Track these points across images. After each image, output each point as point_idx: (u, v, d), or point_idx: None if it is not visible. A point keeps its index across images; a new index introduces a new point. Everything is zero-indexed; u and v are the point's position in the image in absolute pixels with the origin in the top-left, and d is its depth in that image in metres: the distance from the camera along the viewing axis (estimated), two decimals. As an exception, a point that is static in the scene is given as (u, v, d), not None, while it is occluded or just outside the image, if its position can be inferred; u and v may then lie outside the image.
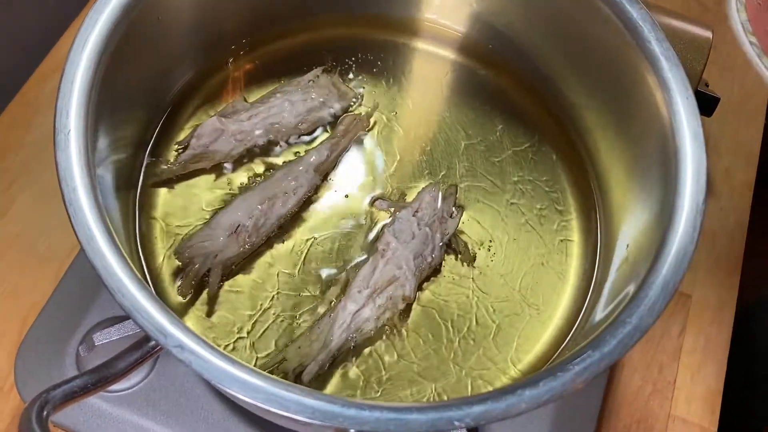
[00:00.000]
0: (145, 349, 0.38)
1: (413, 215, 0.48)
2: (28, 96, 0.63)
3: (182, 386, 0.49)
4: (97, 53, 0.40)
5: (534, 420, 0.50)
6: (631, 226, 0.46)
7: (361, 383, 0.44)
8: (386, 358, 0.45)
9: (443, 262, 0.49)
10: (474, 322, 0.47)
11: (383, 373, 0.45)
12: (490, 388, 0.44)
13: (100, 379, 0.37)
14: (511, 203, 0.52)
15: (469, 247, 0.49)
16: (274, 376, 0.34)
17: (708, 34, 0.60)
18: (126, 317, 0.45)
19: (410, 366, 0.45)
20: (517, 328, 0.47)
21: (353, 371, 0.45)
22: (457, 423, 0.33)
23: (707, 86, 0.61)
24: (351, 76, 0.55)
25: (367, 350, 0.45)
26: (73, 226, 0.36)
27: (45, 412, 0.34)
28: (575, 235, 0.51)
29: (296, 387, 0.33)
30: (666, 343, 0.59)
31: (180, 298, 0.46)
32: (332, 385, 0.44)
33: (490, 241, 0.50)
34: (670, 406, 0.56)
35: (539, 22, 0.51)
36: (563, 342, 0.47)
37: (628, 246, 0.45)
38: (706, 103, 0.61)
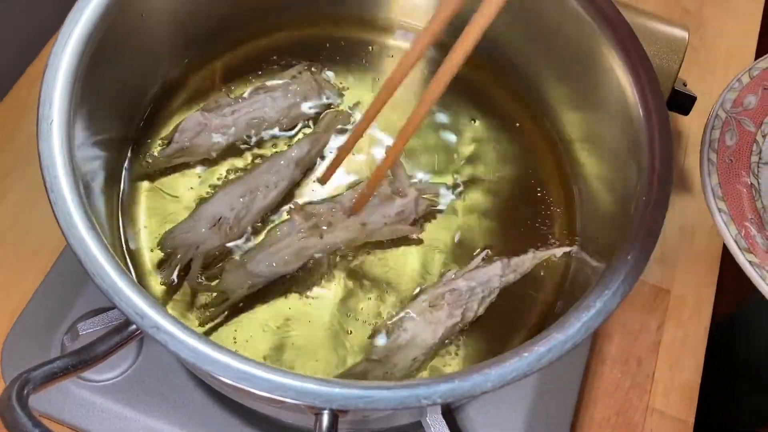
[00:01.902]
0: (124, 333, 0.39)
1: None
2: (20, 95, 0.64)
3: (166, 376, 0.50)
4: (81, 46, 0.41)
5: (510, 409, 0.51)
6: (605, 215, 0.47)
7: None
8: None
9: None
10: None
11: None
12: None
13: (81, 361, 0.37)
14: (492, 197, 0.53)
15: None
16: (248, 357, 0.35)
17: (684, 34, 0.61)
18: (110, 308, 0.47)
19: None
20: (497, 316, 0.48)
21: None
22: (424, 401, 0.34)
23: (685, 85, 0.63)
24: (333, 73, 0.57)
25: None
26: (54, 213, 0.37)
27: (25, 391, 0.34)
28: (555, 226, 0.52)
29: (269, 366, 0.34)
30: (645, 338, 0.60)
31: (161, 289, 0.47)
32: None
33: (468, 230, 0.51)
34: (648, 399, 0.57)
35: (515, 20, 0.52)
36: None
37: (600, 236, 0.46)
38: (683, 102, 0.62)
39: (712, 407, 0.63)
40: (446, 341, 0.46)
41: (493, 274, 0.47)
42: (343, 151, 0.48)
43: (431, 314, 0.45)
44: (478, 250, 0.49)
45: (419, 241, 0.50)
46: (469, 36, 0.37)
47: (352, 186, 0.51)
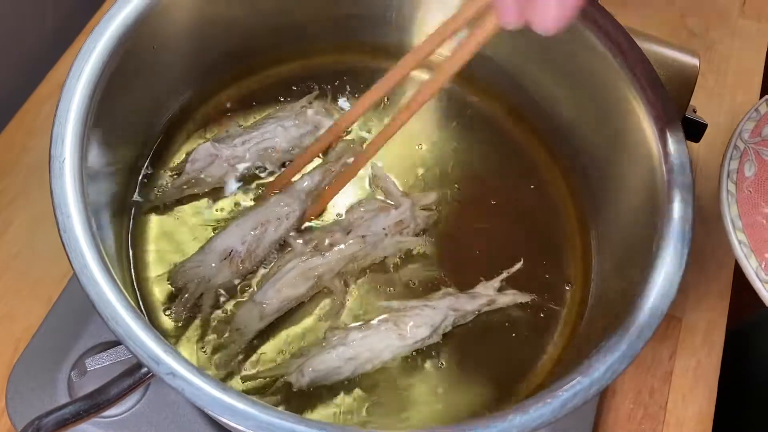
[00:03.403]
0: (137, 375, 0.38)
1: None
2: (26, 119, 0.63)
3: (173, 412, 0.49)
4: (93, 81, 0.40)
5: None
6: (621, 253, 0.47)
7: (354, 410, 0.45)
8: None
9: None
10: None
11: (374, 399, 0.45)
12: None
13: (93, 405, 0.37)
14: (503, 227, 0.52)
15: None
16: (265, 404, 0.34)
17: (695, 61, 0.61)
18: (118, 343, 0.46)
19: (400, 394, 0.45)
20: (509, 352, 0.48)
21: (348, 398, 0.45)
22: (447, 450, 0.33)
23: (695, 112, 0.62)
24: (343, 102, 0.56)
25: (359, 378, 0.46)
26: (67, 254, 0.37)
27: (37, 439, 0.34)
28: (569, 261, 0.51)
29: (288, 414, 0.34)
30: (657, 367, 0.59)
31: (172, 324, 0.46)
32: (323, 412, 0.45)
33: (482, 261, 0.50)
34: (662, 430, 0.57)
35: (530, 51, 0.52)
36: (556, 370, 0.47)
37: (618, 273, 0.46)
38: (694, 129, 0.61)
39: (724, 430, 0.62)
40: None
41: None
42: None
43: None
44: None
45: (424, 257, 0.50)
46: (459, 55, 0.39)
47: (349, 210, 0.51)
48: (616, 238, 0.48)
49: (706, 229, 0.66)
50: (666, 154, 0.43)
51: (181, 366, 0.34)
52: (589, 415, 0.53)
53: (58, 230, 0.37)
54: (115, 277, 0.36)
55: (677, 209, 0.41)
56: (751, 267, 0.48)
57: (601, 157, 0.51)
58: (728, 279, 0.64)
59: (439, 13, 0.55)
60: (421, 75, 0.57)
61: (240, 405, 0.33)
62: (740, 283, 0.63)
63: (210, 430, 0.48)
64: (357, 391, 0.45)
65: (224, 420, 0.33)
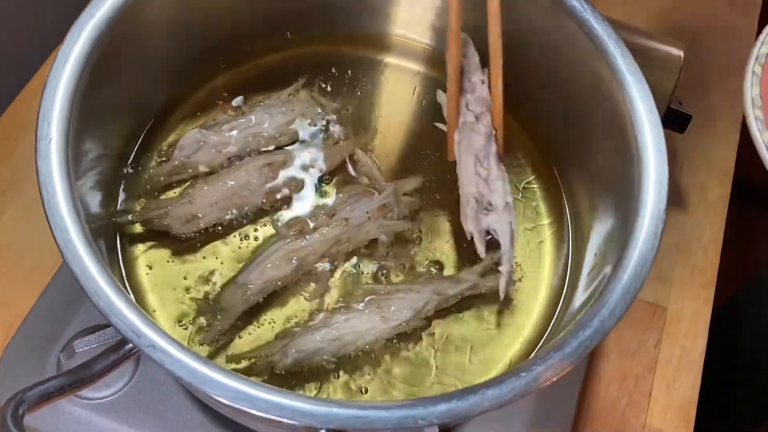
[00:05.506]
0: (121, 351, 0.39)
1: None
2: (18, 112, 0.64)
3: (162, 394, 0.50)
4: (79, 66, 0.41)
5: (507, 429, 0.51)
6: (598, 235, 0.47)
7: (336, 391, 0.46)
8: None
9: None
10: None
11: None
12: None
13: (77, 380, 0.37)
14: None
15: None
16: (244, 376, 0.35)
17: (679, 52, 0.62)
18: (106, 326, 0.47)
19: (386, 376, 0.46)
20: (491, 334, 0.48)
21: (330, 378, 0.46)
22: (421, 421, 0.34)
23: (680, 104, 0.63)
24: (328, 90, 0.57)
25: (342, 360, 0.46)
26: (52, 231, 0.37)
27: (20, 411, 0.35)
28: (548, 245, 0.52)
29: (265, 386, 0.34)
30: (642, 355, 0.60)
31: (156, 310, 0.47)
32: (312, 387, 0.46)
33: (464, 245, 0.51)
34: (645, 417, 0.57)
35: (509, 38, 0.52)
36: (536, 348, 0.48)
37: (596, 254, 0.47)
38: (679, 120, 0.62)
39: (710, 409, 0.62)
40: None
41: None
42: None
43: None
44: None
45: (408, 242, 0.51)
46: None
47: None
48: (594, 222, 0.49)
49: (691, 219, 0.67)
50: (642, 140, 0.44)
51: (161, 339, 0.35)
52: (572, 402, 0.53)
53: (44, 209, 0.38)
54: (99, 254, 0.37)
55: (652, 192, 0.42)
56: (763, 142, 0.50)
57: (579, 148, 0.52)
58: (713, 268, 0.64)
59: (423, 3, 0.57)
60: (407, 64, 0.59)
61: (219, 377, 0.34)
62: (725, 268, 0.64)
63: (198, 411, 0.49)
64: (340, 373, 0.46)
65: (205, 391, 0.34)
